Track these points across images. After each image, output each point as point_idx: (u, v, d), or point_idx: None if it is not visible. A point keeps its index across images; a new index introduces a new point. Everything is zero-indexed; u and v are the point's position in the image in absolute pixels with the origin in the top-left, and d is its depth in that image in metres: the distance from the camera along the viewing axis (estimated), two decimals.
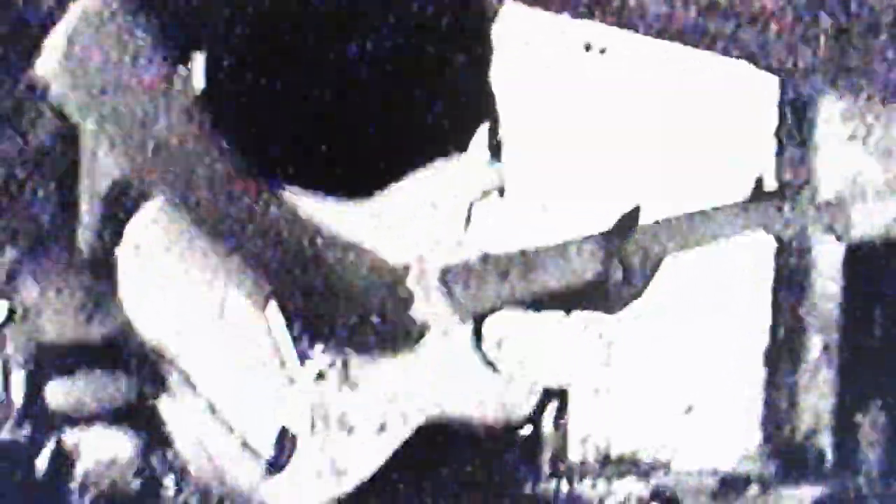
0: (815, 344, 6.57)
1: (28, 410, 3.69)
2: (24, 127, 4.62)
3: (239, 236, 1.61)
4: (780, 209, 2.07)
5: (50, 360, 3.78)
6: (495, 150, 1.88)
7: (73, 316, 3.72)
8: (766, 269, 6.61)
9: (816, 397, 6.53)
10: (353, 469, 1.65)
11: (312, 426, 1.63)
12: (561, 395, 5.62)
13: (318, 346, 1.65)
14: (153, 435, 4.01)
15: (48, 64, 1.61)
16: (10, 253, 3.48)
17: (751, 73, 6.16)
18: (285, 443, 1.59)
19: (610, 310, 1.97)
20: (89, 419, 3.86)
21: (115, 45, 1.59)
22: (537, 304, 1.93)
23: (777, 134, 6.49)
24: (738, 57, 5.95)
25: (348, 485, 1.65)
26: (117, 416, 3.93)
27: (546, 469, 5.52)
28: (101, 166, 4.38)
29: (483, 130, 1.86)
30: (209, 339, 1.60)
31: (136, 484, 3.80)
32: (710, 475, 5.98)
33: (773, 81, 6.38)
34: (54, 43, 1.61)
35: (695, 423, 6.18)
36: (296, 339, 1.64)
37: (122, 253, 1.60)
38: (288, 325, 1.64)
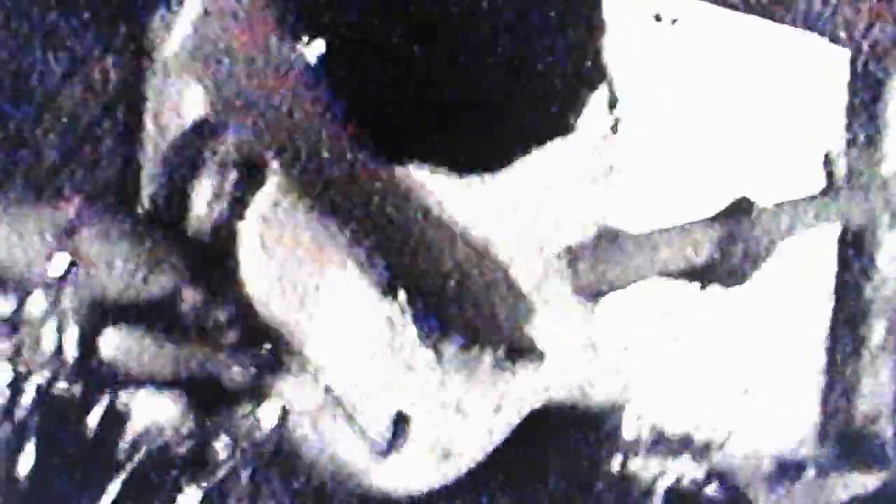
0: (878, 328, 6.45)
1: (81, 367, 3.63)
2: (92, 77, 4.58)
3: (356, 215, 1.56)
4: (866, 199, 2.16)
5: (106, 317, 3.71)
6: (613, 127, 1.85)
7: (132, 272, 3.64)
8: (829, 250, 6.48)
9: (877, 383, 6.42)
10: (466, 453, 1.61)
11: (428, 410, 1.57)
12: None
13: (437, 331, 1.60)
14: (207, 400, 3.95)
15: (175, 47, 1.58)
16: (73, 205, 3.40)
17: (822, 47, 6.03)
18: (400, 426, 1.58)
19: (724, 285, 1.97)
20: (143, 379, 3.80)
21: (240, 26, 1.55)
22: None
23: (847, 111, 6.34)
24: (812, 30, 5.84)
25: (460, 469, 1.60)
26: (171, 378, 3.87)
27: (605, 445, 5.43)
28: (168, 121, 4.33)
29: (601, 109, 1.82)
30: (328, 320, 1.56)
31: (186, 447, 3.74)
32: (767, 458, 5.88)
33: (844, 57, 6.24)
34: (181, 26, 1.57)
35: (752, 404, 6.08)
36: (415, 323, 1.59)
37: (247, 226, 1.56)
38: (408, 309, 1.58)
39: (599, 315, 1.78)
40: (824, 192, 2.10)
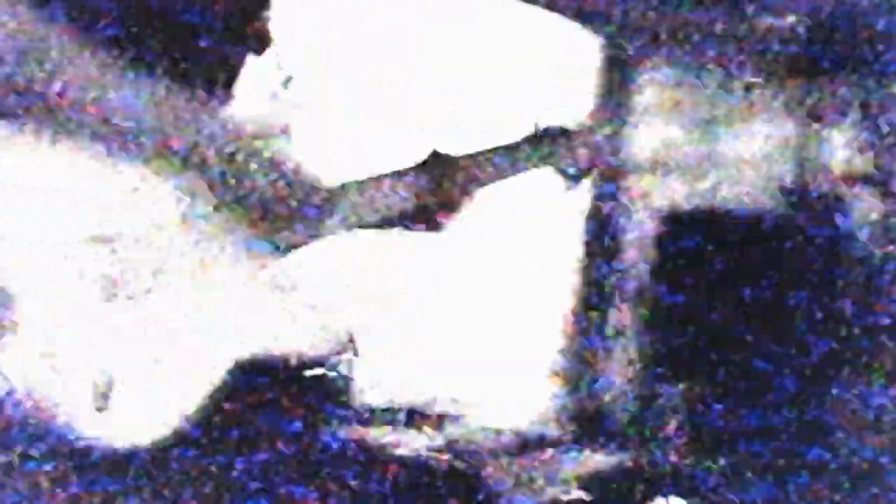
0: (622, 311, 6.59)
1: None
2: None
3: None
4: (567, 147, 2.17)
5: None
6: (285, 83, 1.91)
7: None
8: (574, 234, 6.62)
9: (619, 365, 6.55)
10: (175, 405, 1.65)
11: (132, 365, 1.61)
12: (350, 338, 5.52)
13: (129, 291, 1.62)
14: None
15: None
16: None
17: (571, 31, 6.15)
18: (105, 383, 1.59)
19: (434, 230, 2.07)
20: None
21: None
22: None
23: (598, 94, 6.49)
24: (561, 13, 5.96)
25: (167, 427, 1.64)
26: None
27: (337, 412, 5.40)
28: None
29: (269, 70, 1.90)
30: (34, 282, 1.56)
31: None
32: (506, 432, 5.94)
33: (593, 42, 6.37)
34: None
35: (492, 379, 6.15)
36: (111, 283, 1.60)
37: None
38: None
39: (291, 266, 1.84)
40: (528, 140, 2.20)
